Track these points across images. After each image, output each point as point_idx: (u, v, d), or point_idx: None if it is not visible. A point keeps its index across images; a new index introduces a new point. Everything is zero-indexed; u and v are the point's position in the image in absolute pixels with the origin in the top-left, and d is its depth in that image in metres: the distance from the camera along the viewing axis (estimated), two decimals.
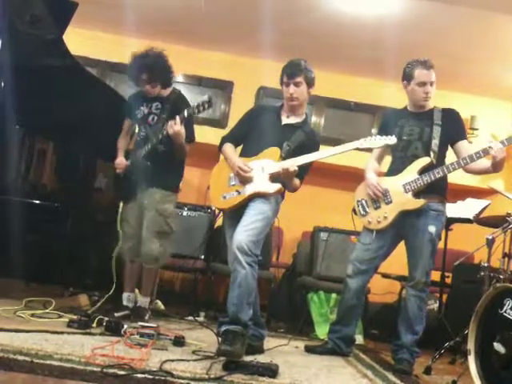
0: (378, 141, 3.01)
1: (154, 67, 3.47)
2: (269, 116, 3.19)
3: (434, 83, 3.25)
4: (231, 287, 2.88)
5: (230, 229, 3.05)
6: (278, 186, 3.01)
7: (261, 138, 3.11)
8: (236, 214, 3.03)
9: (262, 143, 3.09)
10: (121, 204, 3.57)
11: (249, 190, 3.02)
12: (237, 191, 3.05)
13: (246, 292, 2.84)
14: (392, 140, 2.99)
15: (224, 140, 3.23)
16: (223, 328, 2.82)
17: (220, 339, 2.78)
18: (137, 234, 3.52)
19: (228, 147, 3.19)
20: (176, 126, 3.28)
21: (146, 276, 3.59)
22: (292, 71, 3.11)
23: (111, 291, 3.43)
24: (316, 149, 3.15)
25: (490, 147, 2.98)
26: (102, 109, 3.78)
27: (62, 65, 3.68)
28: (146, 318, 3.49)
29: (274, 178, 3.02)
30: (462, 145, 3.24)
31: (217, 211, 4.50)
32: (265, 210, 2.97)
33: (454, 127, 3.26)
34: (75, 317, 3.08)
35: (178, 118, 3.29)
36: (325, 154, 3.07)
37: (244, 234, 2.87)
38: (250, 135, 3.19)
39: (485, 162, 3.11)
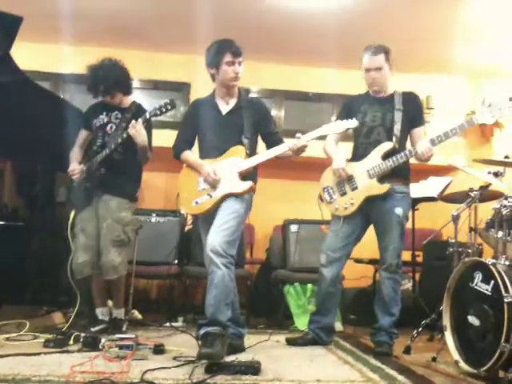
0: (339, 125, 3.05)
1: (109, 77, 3.44)
2: (208, 111, 3.16)
3: (381, 68, 3.28)
4: (208, 289, 2.88)
5: (205, 231, 3.03)
6: (249, 184, 3.01)
7: (214, 137, 3.10)
8: (210, 216, 3.02)
9: (220, 141, 3.08)
10: (72, 213, 3.48)
11: (220, 191, 3.01)
12: (208, 195, 3.04)
13: (224, 293, 2.84)
14: (353, 123, 3.04)
15: (177, 148, 3.20)
16: (202, 331, 2.82)
17: (200, 342, 2.78)
18: (95, 246, 3.44)
19: (188, 154, 3.17)
20: (137, 126, 3.27)
21: (115, 287, 3.54)
22: (238, 50, 3.06)
23: (77, 306, 3.37)
24: (267, 113, 3.23)
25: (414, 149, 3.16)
26: (55, 121, 3.71)
27: (11, 81, 3.60)
28: (124, 329, 3.45)
29: (243, 175, 3.03)
30: (419, 131, 3.31)
31: (186, 215, 4.51)
32: (237, 209, 2.97)
33: (413, 112, 3.32)
34: (51, 336, 3.03)
35: (139, 119, 3.29)
36: (290, 146, 3.02)
37: (217, 236, 2.87)
38: (200, 135, 3.17)
39: None
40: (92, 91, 3.51)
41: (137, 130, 3.27)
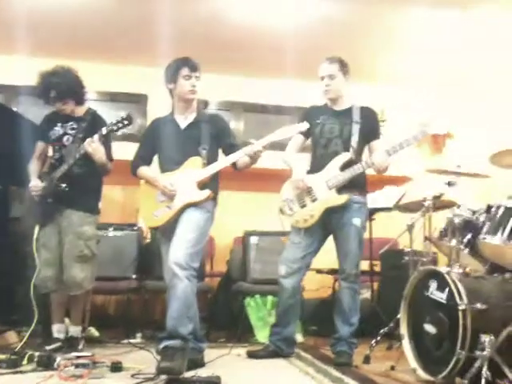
0: (291, 129, 3.08)
1: (62, 83, 3.39)
2: (167, 127, 3.18)
3: (334, 76, 3.35)
4: (170, 302, 2.86)
5: (165, 244, 3.02)
6: (207, 192, 3.02)
7: (173, 151, 3.12)
8: (169, 230, 3.00)
9: (178, 155, 3.10)
10: (36, 229, 3.40)
11: (179, 202, 3.02)
12: (167, 207, 3.05)
13: (185, 305, 2.83)
14: (304, 126, 3.09)
15: (134, 165, 3.23)
16: (162, 344, 2.78)
17: (159, 356, 2.73)
18: (58, 261, 3.37)
19: (144, 170, 3.21)
20: (94, 144, 3.24)
21: (74, 304, 3.46)
22: (194, 65, 3.11)
23: (33, 324, 3.26)
24: (226, 126, 3.26)
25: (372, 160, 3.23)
26: (8, 135, 3.61)
27: None
28: (80, 347, 3.36)
29: (201, 185, 3.03)
30: (376, 144, 3.39)
31: (144, 228, 4.45)
32: (197, 220, 2.97)
33: (370, 126, 3.39)
34: (4, 356, 2.91)
35: (96, 136, 3.25)
36: (246, 152, 3.03)
37: (179, 248, 2.86)
38: (159, 152, 3.20)
39: None
40: (43, 97, 3.44)
41: (93, 148, 3.24)
